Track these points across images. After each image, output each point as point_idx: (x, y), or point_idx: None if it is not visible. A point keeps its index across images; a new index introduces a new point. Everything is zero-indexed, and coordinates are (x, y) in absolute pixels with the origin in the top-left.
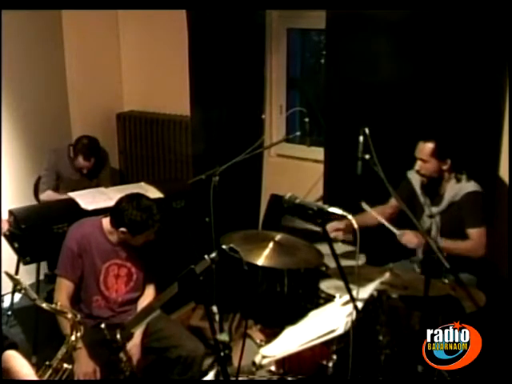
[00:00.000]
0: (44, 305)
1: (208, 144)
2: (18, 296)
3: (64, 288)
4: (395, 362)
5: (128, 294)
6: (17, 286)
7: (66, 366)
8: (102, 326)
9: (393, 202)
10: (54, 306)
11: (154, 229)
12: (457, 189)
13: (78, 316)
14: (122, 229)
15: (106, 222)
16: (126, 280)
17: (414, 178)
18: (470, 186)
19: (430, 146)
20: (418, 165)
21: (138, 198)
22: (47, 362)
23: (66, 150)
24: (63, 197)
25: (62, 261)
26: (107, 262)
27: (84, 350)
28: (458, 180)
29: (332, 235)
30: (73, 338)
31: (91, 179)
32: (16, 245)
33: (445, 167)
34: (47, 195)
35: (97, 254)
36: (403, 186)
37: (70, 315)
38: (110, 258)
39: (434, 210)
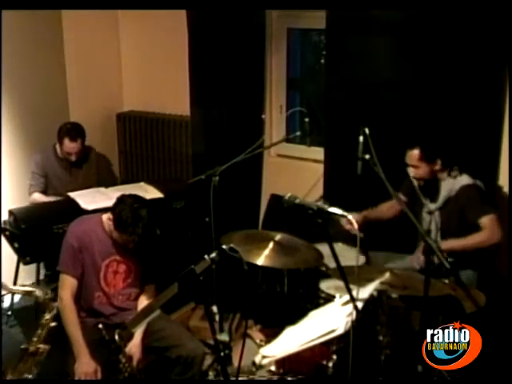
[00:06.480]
0: (12, 286)
1: (208, 144)
2: (18, 296)
3: (68, 285)
4: (395, 361)
5: (125, 290)
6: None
7: (42, 346)
8: (100, 326)
9: (401, 196)
10: (17, 287)
11: (131, 237)
12: (451, 184)
13: (49, 293)
14: (109, 215)
15: (105, 216)
16: (124, 276)
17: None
18: (463, 180)
19: (416, 152)
20: (412, 171)
21: (140, 203)
22: (22, 346)
23: (51, 150)
24: (51, 199)
25: (63, 257)
26: (107, 259)
27: (85, 349)
28: (452, 176)
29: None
30: (47, 316)
31: (80, 166)
32: (16, 245)
33: (436, 167)
34: (35, 198)
35: (97, 250)
36: (406, 182)
37: (39, 292)
38: (110, 254)
39: (433, 206)
